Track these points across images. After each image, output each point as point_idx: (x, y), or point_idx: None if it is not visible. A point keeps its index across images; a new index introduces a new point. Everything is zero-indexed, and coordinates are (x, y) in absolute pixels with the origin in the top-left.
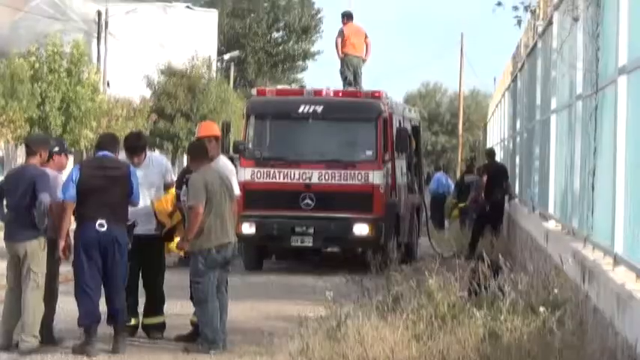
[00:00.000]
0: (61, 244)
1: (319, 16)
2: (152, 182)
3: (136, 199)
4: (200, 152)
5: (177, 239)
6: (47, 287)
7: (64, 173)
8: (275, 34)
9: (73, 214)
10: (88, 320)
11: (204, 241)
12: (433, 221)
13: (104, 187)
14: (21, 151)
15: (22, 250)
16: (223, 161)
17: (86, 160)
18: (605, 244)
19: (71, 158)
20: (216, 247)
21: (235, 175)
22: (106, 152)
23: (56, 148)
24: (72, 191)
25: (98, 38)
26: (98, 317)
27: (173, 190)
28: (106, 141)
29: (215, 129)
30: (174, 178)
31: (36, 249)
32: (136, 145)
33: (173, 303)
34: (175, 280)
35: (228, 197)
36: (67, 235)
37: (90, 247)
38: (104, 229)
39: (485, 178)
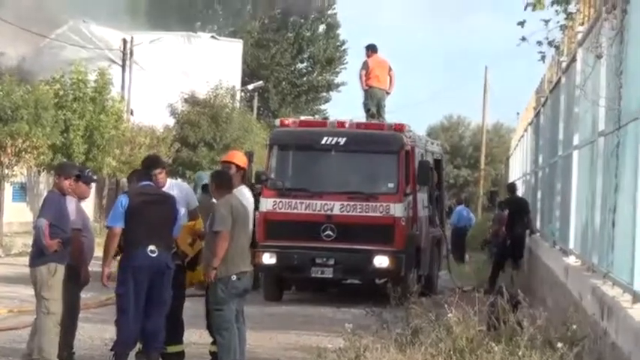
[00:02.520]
0: (106, 270)
1: (344, 47)
2: None
3: (177, 230)
4: (224, 181)
5: (199, 268)
6: (66, 314)
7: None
8: (299, 65)
9: (119, 242)
10: (124, 347)
11: (225, 269)
12: (454, 254)
13: (153, 215)
14: (44, 178)
15: (32, 276)
16: (243, 192)
17: (134, 189)
18: (624, 280)
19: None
20: (237, 274)
21: (252, 209)
22: (147, 182)
23: (79, 175)
24: (120, 218)
25: (123, 66)
26: (134, 345)
27: (194, 222)
28: (144, 172)
29: (239, 158)
30: (197, 204)
31: (44, 275)
32: (156, 162)
33: (192, 332)
34: (194, 309)
35: (247, 227)
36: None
37: (140, 273)
38: (155, 254)
39: (506, 212)
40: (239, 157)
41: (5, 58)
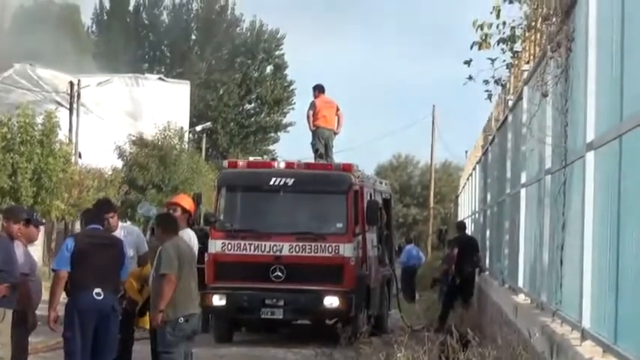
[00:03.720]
0: (52, 314)
1: (291, 88)
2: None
3: (125, 274)
4: (170, 224)
5: (148, 313)
6: (15, 359)
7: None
8: (247, 106)
9: (66, 285)
10: None
11: (173, 311)
12: (404, 293)
13: (100, 258)
14: None
15: None
16: (189, 234)
17: (80, 232)
18: (573, 318)
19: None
20: (185, 317)
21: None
22: (95, 225)
23: (27, 219)
24: (66, 262)
25: (70, 109)
26: None
27: (142, 268)
28: (93, 215)
29: (185, 200)
30: (147, 248)
31: None
32: (108, 205)
33: None
34: (143, 352)
35: (194, 269)
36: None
37: (86, 317)
38: (101, 297)
39: (456, 250)
40: (185, 200)
41: None
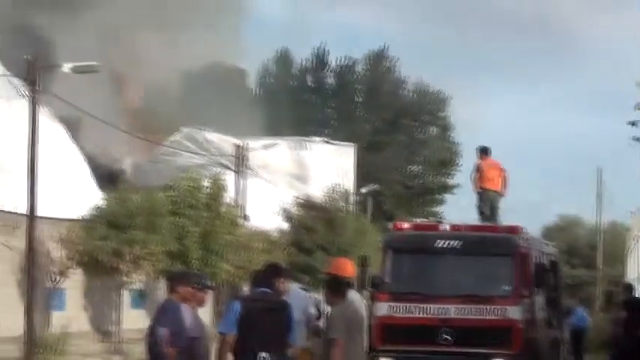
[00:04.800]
0: None
1: (457, 149)
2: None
3: (294, 338)
4: (338, 288)
5: None
6: None
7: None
8: (413, 168)
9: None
10: None
11: None
12: (574, 355)
13: (266, 322)
14: (161, 285)
15: None
16: (357, 298)
17: (247, 295)
18: None
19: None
20: None
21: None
22: (264, 289)
23: (200, 284)
24: (233, 325)
25: (237, 172)
26: None
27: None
28: (262, 278)
29: (344, 268)
30: (314, 312)
31: None
32: (279, 271)
33: None
34: None
35: (362, 333)
36: None
37: None
38: None
39: (623, 313)
40: (344, 268)
41: (121, 164)
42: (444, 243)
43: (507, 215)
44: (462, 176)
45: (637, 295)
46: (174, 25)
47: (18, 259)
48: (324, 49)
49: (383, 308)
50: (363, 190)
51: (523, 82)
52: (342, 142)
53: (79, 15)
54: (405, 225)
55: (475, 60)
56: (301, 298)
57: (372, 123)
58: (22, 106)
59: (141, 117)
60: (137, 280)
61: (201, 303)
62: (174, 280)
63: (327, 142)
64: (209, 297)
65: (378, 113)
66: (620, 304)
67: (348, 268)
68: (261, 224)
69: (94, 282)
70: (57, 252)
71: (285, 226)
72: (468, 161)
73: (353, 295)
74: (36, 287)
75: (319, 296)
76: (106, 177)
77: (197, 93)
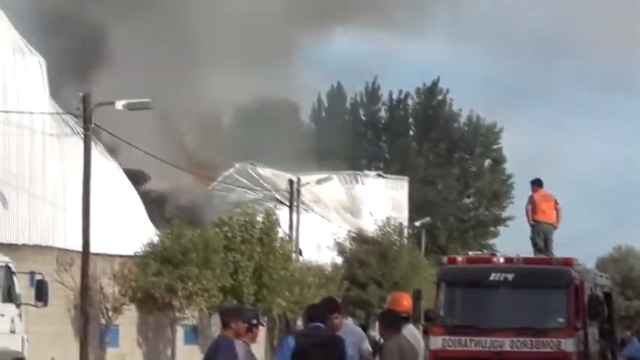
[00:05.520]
0: None
1: (510, 181)
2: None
3: None
4: (392, 322)
5: None
6: None
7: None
8: (466, 200)
9: None
10: None
11: None
12: None
13: (319, 357)
14: (215, 320)
15: None
16: (412, 332)
17: (301, 330)
18: None
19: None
20: None
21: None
22: (317, 323)
23: (254, 320)
24: None
25: (290, 207)
26: None
27: None
28: (317, 313)
29: (401, 304)
30: (369, 348)
31: None
32: (334, 306)
33: None
34: None
35: None
36: None
37: None
38: None
39: None
40: (400, 302)
41: (174, 199)
42: (497, 276)
43: (561, 247)
44: (515, 208)
45: None
46: (227, 60)
47: (72, 296)
48: (376, 83)
49: (437, 342)
50: (417, 224)
51: (577, 114)
52: (395, 176)
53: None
54: (459, 258)
55: (527, 91)
56: (355, 334)
57: (425, 156)
58: (74, 142)
59: (194, 152)
60: (190, 316)
61: (253, 339)
62: (227, 315)
63: (380, 176)
64: (261, 333)
65: (431, 146)
66: None
67: (404, 302)
68: (314, 259)
69: (148, 318)
70: (110, 288)
71: (339, 260)
72: (520, 193)
73: (410, 329)
74: (90, 324)
75: (375, 332)
76: (159, 212)
77: (250, 128)
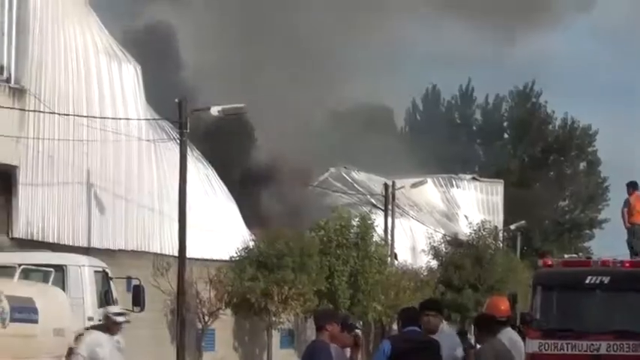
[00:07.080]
0: None
1: (605, 184)
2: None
3: None
4: (487, 325)
5: None
6: None
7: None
8: (561, 203)
9: None
10: None
11: None
12: None
13: None
14: (310, 324)
15: None
16: (509, 335)
17: (397, 335)
18: None
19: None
20: None
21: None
22: (413, 328)
23: (343, 323)
24: None
25: (385, 210)
26: None
27: None
28: (411, 316)
29: (498, 308)
30: (461, 354)
31: None
32: (433, 304)
33: None
34: None
35: None
36: None
37: None
38: None
39: None
40: (497, 307)
41: (273, 204)
42: (594, 279)
43: None
44: (611, 211)
45: None
46: (322, 65)
47: (169, 301)
48: (470, 86)
49: (533, 345)
50: (512, 227)
51: None
52: (490, 179)
53: (223, 52)
54: (554, 261)
55: (623, 92)
56: (450, 338)
57: (520, 159)
58: (168, 147)
59: (289, 157)
60: (286, 320)
61: (345, 344)
62: (322, 318)
63: (475, 179)
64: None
65: (526, 149)
66: None
67: (502, 307)
68: (410, 262)
69: (244, 322)
70: (207, 293)
71: (434, 264)
72: (616, 196)
73: (507, 333)
74: (186, 328)
75: (472, 336)
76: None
77: (345, 132)
